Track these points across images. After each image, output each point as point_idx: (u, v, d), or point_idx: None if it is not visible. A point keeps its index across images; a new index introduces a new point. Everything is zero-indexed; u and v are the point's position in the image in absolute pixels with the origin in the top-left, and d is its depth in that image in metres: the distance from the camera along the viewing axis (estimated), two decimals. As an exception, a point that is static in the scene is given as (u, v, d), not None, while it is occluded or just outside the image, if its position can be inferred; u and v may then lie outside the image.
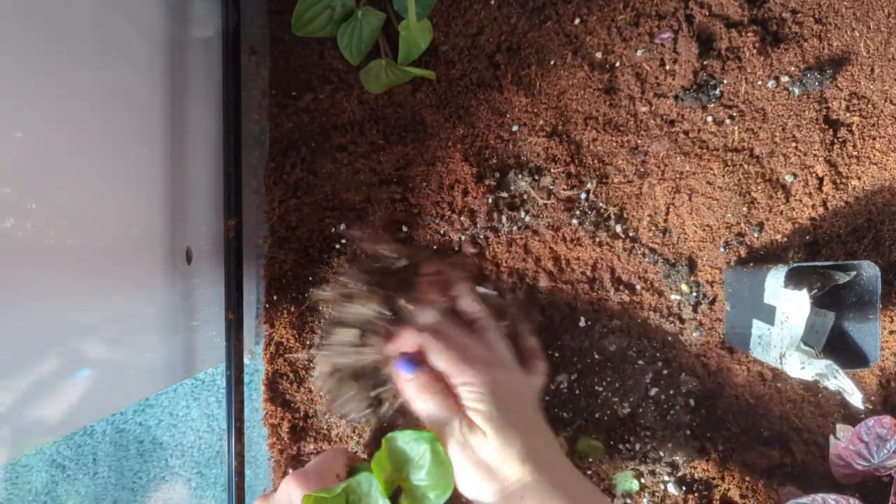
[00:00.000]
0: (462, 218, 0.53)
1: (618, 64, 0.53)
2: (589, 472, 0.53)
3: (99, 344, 0.40)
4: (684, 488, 0.52)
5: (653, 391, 0.53)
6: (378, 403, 0.48)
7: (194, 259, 0.50)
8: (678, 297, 0.53)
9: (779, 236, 0.52)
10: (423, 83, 0.54)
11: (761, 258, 0.52)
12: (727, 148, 0.52)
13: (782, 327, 0.44)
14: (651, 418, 0.52)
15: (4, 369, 0.33)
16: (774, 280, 0.45)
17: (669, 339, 0.53)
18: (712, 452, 0.53)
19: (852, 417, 0.53)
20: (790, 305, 0.43)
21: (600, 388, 0.53)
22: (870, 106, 0.51)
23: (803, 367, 0.43)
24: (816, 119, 0.51)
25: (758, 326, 0.48)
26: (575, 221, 0.53)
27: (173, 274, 0.48)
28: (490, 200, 0.53)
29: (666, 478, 0.52)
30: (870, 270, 0.45)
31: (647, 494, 0.52)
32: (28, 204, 0.33)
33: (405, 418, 0.49)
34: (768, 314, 0.46)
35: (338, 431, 0.56)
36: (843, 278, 0.47)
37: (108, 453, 0.66)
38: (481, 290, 0.52)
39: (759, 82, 0.51)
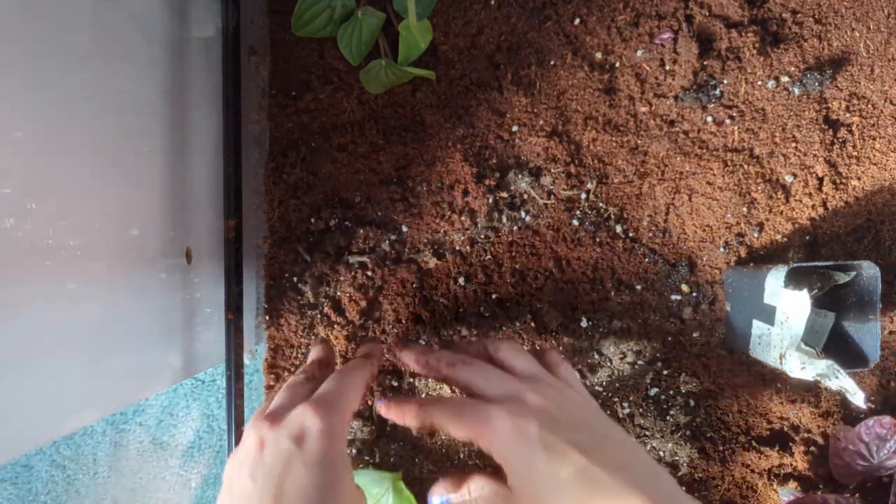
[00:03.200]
0: (462, 218, 0.53)
1: (618, 64, 0.53)
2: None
3: (99, 344, 0.40)
4: (684, 488, 0.52)
5: (653, 391, 0.53)
6: None
7: (194, 259, 0.50)
8: (678, 298, 0.53)
9: (779, 236, 0.52)
10: (422, 83, 0.54)
11: (761, 258, 0.52)
12: (727, 148, 0.52)
13: (782, 327, 0.44)
14: (651, 418, 0.52)
15: (4, 369, 0.33)
16: (774, 280, 0.45)
17: (669, 339, 0.53)
18: (712, 452, 0.53)
19: (852, 418, 0.53)
20: (790, 306, 0.43)
21: (600, 389, 0.53)
22: (870, 106, 0.51)
23: (804, 368, 0.43)
24: (816, 119, 0.51)
25: (758, 327, 0.48)
26: (575, 221, 0.53)
27: (173, 274, 0.48)
28: (490, 200, 0.53)
29: (666, 478, 0.52)
30: (870, 270, 0.45)
31: (647, 494, 0.52)
32: (28, 204, 0.33)
33: None
34: (768, 314, 0.46)
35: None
36: (843, 278, 0.47)
37: (108, 453, 0.66)
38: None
39: (759, 82, 0.51)
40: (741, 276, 0.50)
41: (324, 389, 0.38)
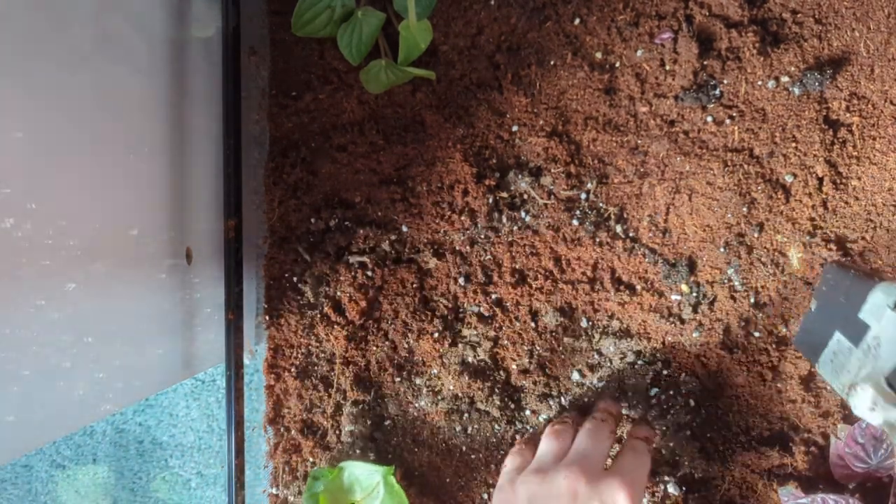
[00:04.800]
0: (462, 218, 0.53)
1: (618, 64, 0.53)
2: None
3: (99, 344, 0.40)
4: (684, 488, 0.52)
5: (653, 391, 0.53)
6: None
7: (194, 259, 0.50)
8: (678, 298, 0.53)
9: (779, 237, 0.52)
10: (422, 83, 0.54)
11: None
12: (727, 148, 0.52)
13: (867, 353, 0.38)
14: (651, 418, 0.52)
15: (3, 369, 0.33)
16: (883, 296, 0.38)
17: (669, 339, 0.53)
18: (712, 452, 0.53)
19: (853, 418, 0.53)
20: (890, 332, 0.37)
21: (600, 389, 0.53)
22: (870, 106, 0.51)
23: (873, 409, 0.37)
24: (816, 119, 0.51)
25: (838, 341, 0.41)
26: (575, 222, 0.53)
27: (173, 274, 0.48)
28: (490, 200, 0.53)
29: (666, 478, 0.52)
30: None
31: (647, 494, 0.52)
32: (28, 204, 0.33)
33: None
34: (857, 331, 0.39)
35: (341, 432, 0.56)
36: None
37: (108, 453, 0.66)
38: None
39: (759, 82, 0.51)
40: (843, 277, 0.43)
41: (624, 462, 0.43)
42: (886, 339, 0.37)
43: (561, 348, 0.53)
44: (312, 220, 0.55)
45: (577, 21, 0.53)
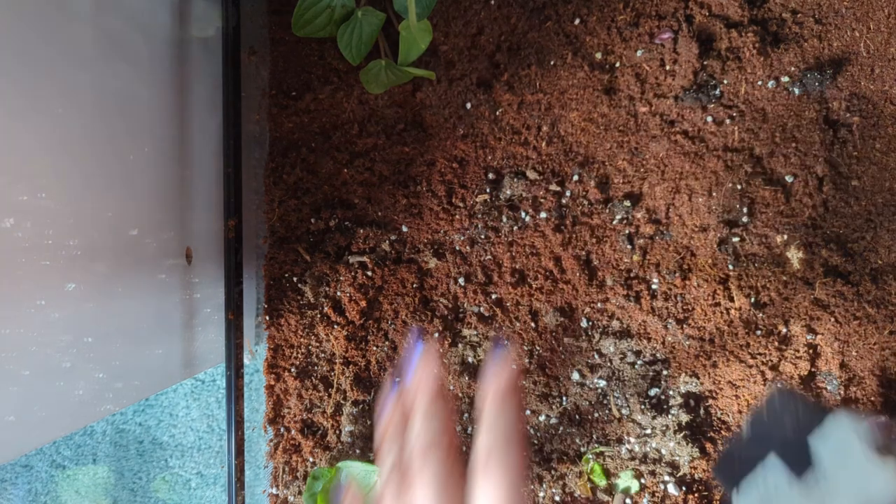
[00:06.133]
0: (462, 218, 0.53)
1: (618, 64, 0.53)
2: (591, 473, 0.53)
3: (99, 344, 0.40)
4: (684, 488, 0.52)
5: (653, 391, 0.53)
6: None
7: (194, 259, 0.50)
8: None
9: (779, 237, 0.52)
10: (423, 83, 0.54)
11: (759, 260, 0.52)
12: (727, 148, 0.52)
13: (813, 489, 0.32)
14: (651, 418, 0.52)
15: (4, 369, 0.33)
16: (851, 429, 0.32)
17: (669, 339, 0.53)
18: (712, 452, 0.53)
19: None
20: (852, 473, 0.30)
21: (600, 389, 0.53)
22: (870, 106, 0.51)
23: None
24: (816, 119, 0.51)
25: (773, 468, 0.35)
26: (574, 222, 0.53)
27: (173, 274, 0.48)
28: (490, 200, 0.53)
29: (666, 478, 0.52)
30: None
31: (647, 494, 0.52)
32: (28, 204, 0.33)
33: None
34: (801, 459, 0.33)
35: (341, 432, 0.56)
36: None
37: (108, 453, 0.66)
38: None
39: (759, 82, 0.51)
40: (791, 401, 0.37)
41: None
42: (846, 479, 0.31)
43: (561, 348, 0.53)
44: (312, 220, 0.55)
45: (577, 21, 0.53)
